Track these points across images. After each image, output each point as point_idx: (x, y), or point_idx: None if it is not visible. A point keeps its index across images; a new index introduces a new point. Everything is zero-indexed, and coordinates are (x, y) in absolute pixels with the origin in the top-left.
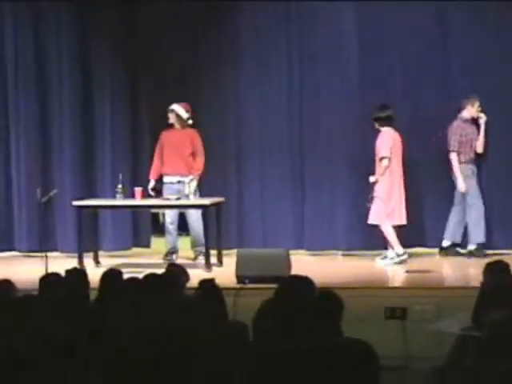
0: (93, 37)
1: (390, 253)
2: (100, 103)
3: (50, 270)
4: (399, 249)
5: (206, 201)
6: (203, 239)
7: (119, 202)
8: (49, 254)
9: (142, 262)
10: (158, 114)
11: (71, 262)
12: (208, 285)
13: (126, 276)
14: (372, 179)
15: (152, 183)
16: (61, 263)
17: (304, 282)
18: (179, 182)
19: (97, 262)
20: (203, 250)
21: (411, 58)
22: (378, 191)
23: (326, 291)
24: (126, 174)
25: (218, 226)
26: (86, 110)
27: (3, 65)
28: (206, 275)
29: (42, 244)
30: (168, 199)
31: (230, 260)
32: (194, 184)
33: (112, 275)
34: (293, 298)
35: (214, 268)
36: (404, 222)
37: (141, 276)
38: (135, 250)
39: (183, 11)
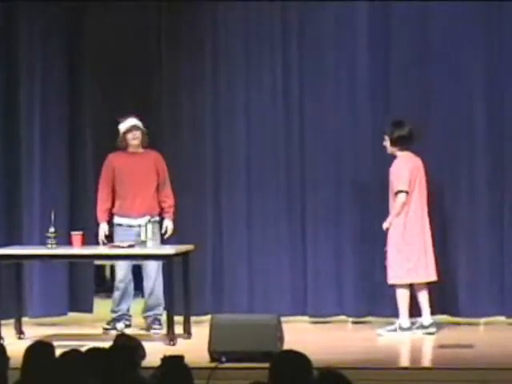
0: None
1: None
2: (26, 118)
3: None
4: (405, 321)
5: (170, 249)
6: (163, 301)
7: (51, 250)
8: None
9: (81, 332)
10: (105, 130)
11: None
12: (173, 364)
13: (59, 351)
14: (385, 225)
15: (104, 228)
16: None
17: (300, 359)
18: (140, 225)
19: (20, 333)
20: (160, 316)
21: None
22: (392, 237)
23: (328, 372)
24: (60, 213)
25: (186, 283)
26: (6, 131)
27: None
28: (169, 350)
29: None
30: (118, 247)
31: (202, 330)
32: (151, 227)
33: (40, 350)
34: (286, 381)
35: (180, 341)
36: (433, 277)
37: (80, 351)
38: (72, 315)
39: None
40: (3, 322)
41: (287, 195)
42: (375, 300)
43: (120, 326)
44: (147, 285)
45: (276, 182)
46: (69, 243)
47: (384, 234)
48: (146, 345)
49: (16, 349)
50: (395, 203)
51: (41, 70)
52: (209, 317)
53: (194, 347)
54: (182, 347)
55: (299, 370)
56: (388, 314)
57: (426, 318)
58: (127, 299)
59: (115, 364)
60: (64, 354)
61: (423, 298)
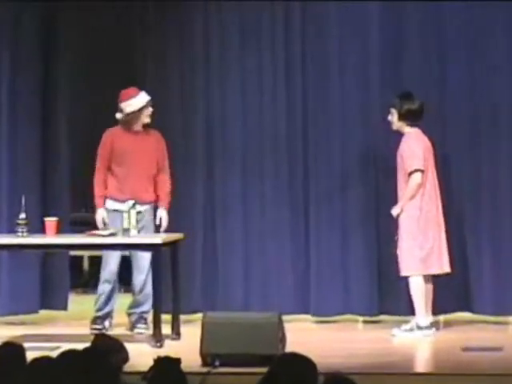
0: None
1: (415, 320)
2: None
3: None
4: (422, 319)
5: (156, 238)
6: (151, 298)
7: (21, 239)
8: None
9: (55, 332)
10: (81, 103)
11: None
12: (167, 367)
13: (30, 354)
14: (395, 211)
15: (103, 214)
16: None
17: (304, 363)
18: (139, 212)
19: None
20: (146, 314)
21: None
22: (406, 223)
23: (336, 378)
24: (31, 198)
25: (174, 276)
26: None
27: None
28: (156, 353)
29: None
30: (98, 235)
31: (193, 330)
32: (134, 212)
33: (9, 352)
34: None
35: (168, 342)
36: (447, 269)
37: (54, 354)
38: (45, 313)
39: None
40: None
41: (288, 180)
42: (388, 296)
43: (107, 324)
44: (138, 280)
45: (275, 165)
46: (41, 231)
47: (393, 220)
48: (129, 346)
49: None
50: (409, 184)
51: (10, 59)
52: (200, 315)
53: (184, 349)
54: (169, 349)
55: (303, 375)
56: (403, 311)
57: (422, 318)
58: (115, 295)
59: (93, 368)
60: (35, 361)
61: (418, 291)
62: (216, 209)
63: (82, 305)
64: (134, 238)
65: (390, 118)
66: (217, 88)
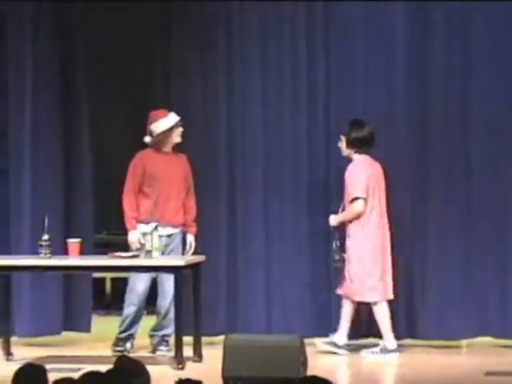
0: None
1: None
2: (15, 111)
3: None
4: (390, 342)
5: (179, 260)
6: (173, 322)
7: (44, 261)
8: None
9: (77, 353)
10: (104, 126)
11: None
12: None
13: (52, 376)
14: (333, 220)
15: (138, 235)
16: None
17: None
18: (169, 235)
19: (8, 354)
20: (168, 337)
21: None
22: (353, 251)
23: None
24: (54, 219)
25: (196, 298)
26: None
27: None
28: (177, 375)
29: None
30: (120, 257)
31: (214, 352)
32: (157, 234)
33: (31, 374)
34: None
35: (189, 364)
36: (391, 296)
37: (76, 376)
38: (67, 335)
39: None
40: None
41: (308, 204)
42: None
43: (129, 346)
44: (163, 304)
45: (297, 185)
46: (64, 253)
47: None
48: (151, 369)
49: (4, 372)
50: (349, 209)
51: (31, 70)
52: (222, 337)
53: (206, 372)
54: (191, 371)
55: None
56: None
57: (341, 335)
58: (141, 318)
59: None
60: (57, 382)
61: (384, 314)
62: (237, 232)
63: (104, 326)
64: (157, 260)
65: (339, 144)
66: (239, 113)
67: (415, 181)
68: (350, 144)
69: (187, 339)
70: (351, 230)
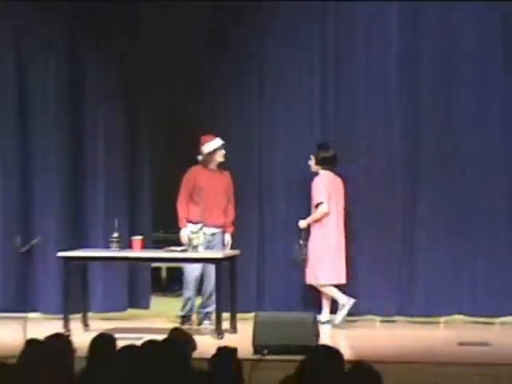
0: (85, 57)
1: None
2: (91, 134)
3: (29, 335)
4: (325, 315)
5: (219, 253)
6: (214, 301)
7: (114, 253)
8: (28, 315)
9: (139, 326)
10: (160, 146)
11: (55, 326)
12: (227, 355)
13: (120, 343)
14: (302, 223)
15: (187, 232)
16: (42, 327)
17: (333, 353)
18: (212, 234)
19: (85, 326)
20: (210, 314)
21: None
22: (313, 245)
23: (360, 365)
24: (122, 219)
25: (233, 284)
26: (74, 143)
27: None
28: (217, 344)
29: (20, 303)
30: (173, 251)
31: (247, 326)
32: (203, 233)
33: (104, 342)
34: (321, 372)
35: (227, 335)
36: (343, 280)
37: (139, 343)
38: (132, 311)
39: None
40: (71, 316)
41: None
42: (405, 300)
43: (191, 321)
44: (207, 287)
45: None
46: (129, 247)
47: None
48: (197, 338)
49: (82, 340)
50: (316, 211)
51: (102, 87)
52: (252, 314)
53: (240, 341)
54: (228, 341)
55: (332, 362)
56: (415, 313)
57: (324, 314)
58: (194, 298)
59: (169, 355)
60: (123, 348)
61: (327, 297)
62: (265, 231)
63: (160, 305)
64: (202, 253)
65: (309, 162)
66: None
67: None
68: (318, 162)
69: (225, 315)
70: (313, 229)
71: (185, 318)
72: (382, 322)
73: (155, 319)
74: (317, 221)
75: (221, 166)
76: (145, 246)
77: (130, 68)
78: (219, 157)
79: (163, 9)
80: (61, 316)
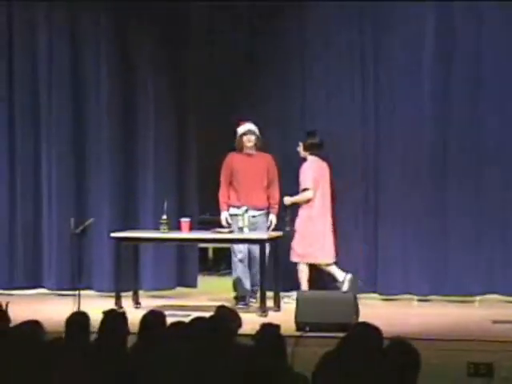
0: (135, 41)
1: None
2: (142, 122)
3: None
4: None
5: (263, 235)
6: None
7: (163, 234)
8: (82, 292)
9: (187, 303)
10: (207, 133)
11: (107, 303)
12: (271, 332)
13: (169, 319)
14: (287, 200)
15: (226, 215)
16: (96, 303)
17: (374, 330)
18: (254, 216)
19: (137, 303)
20: (255, 292)
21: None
22: (299, 226)
23: (399, 342)
24: (170, 202)
25: (276, 263)
26: (126, 131)
27: (35, 80)
28: (261, 321)
29: (75, 281)
30: (220, 232)
31: (289, 304)
32: (247, 216)
33: (154, 318)
34: (360, 349)
35: (271, 313)
36: (330, 260)
37: (187, 320)
38: (180, 290)
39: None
40: (123, 294)
41: (360, 190)
42: (443, 280)
43: (247, 301)
44: (253, 268)
45: (351, 176)
46: (178, 228)
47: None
48: (242, 316)
49: (133, 317)
50: (302, 196)
51: (152, 80)
52: (295, 293)
53: (283, 318)
54: (272, 318)
55: (372, 338)
56: (449, 292)
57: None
58: (246, 279)
59: (216, 331)
60: (172, 324)
61: (303, 273)
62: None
63: (207, 284)
64: (247, 235)
65: (298, 148)
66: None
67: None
68: (306, 148)
69: (270, 294)
70: (300, 210)
71: (240, 299)
72: (418, 301)
73: (202, 297)
74: (303, 203)
75: (263, 149)
76: (192, 228)
77: (181, 65)
78: (247, 141)
79: None
80: (113, 294)
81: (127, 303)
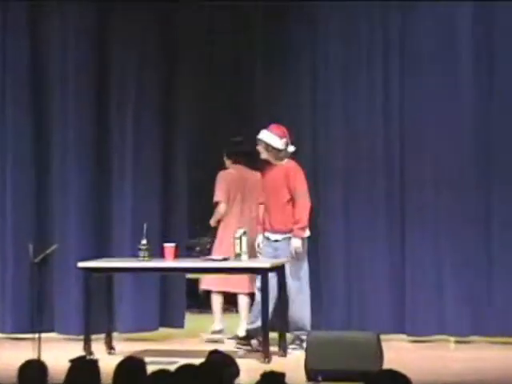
0: (114, 39)
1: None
2: (118, 125)
3: (43, 358)
4: (217, 323)
5: (265, 263)
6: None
7: (143, 263)
8: (43, 335)
9: (173, 348)
10: (201, 136)
11: (75, 348)
12: (274, 381)
13: (150, 368)
14: (212, 223)
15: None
16: (60, 349)
17: (400, 379)
18: (276, 241)
19: (110, 348)
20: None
21: None
22: (215, 248)
23: None
24: (152, 224)
25: (281, 297)
26: (98, 136)
27: None
28: (264, 368)
29: (34, 322)
30: (212, 260)
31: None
32: (245, 240)
33: (131, 366)
34: None
35: (275, 358)
36: (245, 289)
37: (172, 368)
38: (164, 331)
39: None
40: (93, 336)
41: (385, 200)
42: (479, 318)
43: (254, 342)
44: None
45: (374, 187)
46: (161, 255)
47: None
48: (240, 362)
49: (107, 365)
50: (215, 213)
51: (133, 86)
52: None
53: (290, 365)
54: (277, 365)
55: None
56: (494, 332)
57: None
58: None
59: (208, 382)
60: (154, 374)
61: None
62: (319, 232)
63: (197, 323)
64: (245, 263)
65: (224, 158)
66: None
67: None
68: (229, 157)
69: (273, 335)
70: (218, 229)
71: (244, 339)
72: (456, 342)
73: (191, 340)
74: (219, 221)
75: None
76: (178, 255)
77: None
78: (261, 154)
79: None
80: (82, 337)
81: (99, 348)
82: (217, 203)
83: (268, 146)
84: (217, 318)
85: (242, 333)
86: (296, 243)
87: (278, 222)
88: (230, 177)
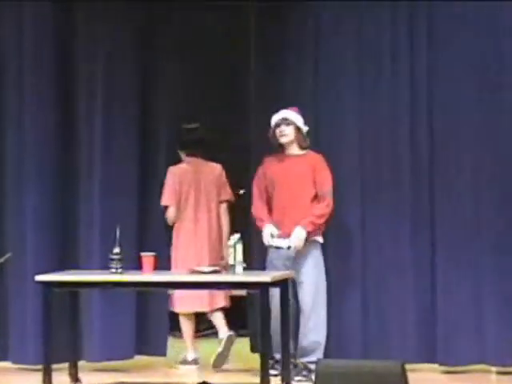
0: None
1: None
2: (85, 107)
3: None
4: (190, 352)
5: (264, 276)
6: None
7: (115, 276)
8: None
9: (152, 380)
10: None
11: (32, 380)
12: None
13: None
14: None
15: (271, 229)
16: (15, 381)
17: None
18: (290, 247)
19: (75, 381)
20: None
21: None
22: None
23: None
24: (126, 229)
25: (284, 319)
26: (61, 127)
27: None
28: None
29: None
30: (199, 272)
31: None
32: (241, 246)
33: None
34: None
35: None
36: (204, 308)
37: None
38: (141, 359)
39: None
40: (55, 366)
41: (411, 213)
42: None
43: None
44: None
45: (398, 197)
46: (138, 267)
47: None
48: None
49: None
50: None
51: (102, 78)
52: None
53: None
54: None
55: None
56: None
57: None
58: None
59: None
60: None
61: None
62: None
63: (181, 350)
64: (241, 277)
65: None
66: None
67: None
68: (181, 147)
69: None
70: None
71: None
72: (498, 373)
73: (173, 371)
74: (172, 226)
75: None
76: (158, 266)
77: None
78: (279, 137)
79: None
80: (40, 367)
81: (62, 381)
82: (165, 208)
83: (299, 129)
84: (188, 344)
85: None
86: (300, 234)
87: (294, 225)
88: (180, 173)
